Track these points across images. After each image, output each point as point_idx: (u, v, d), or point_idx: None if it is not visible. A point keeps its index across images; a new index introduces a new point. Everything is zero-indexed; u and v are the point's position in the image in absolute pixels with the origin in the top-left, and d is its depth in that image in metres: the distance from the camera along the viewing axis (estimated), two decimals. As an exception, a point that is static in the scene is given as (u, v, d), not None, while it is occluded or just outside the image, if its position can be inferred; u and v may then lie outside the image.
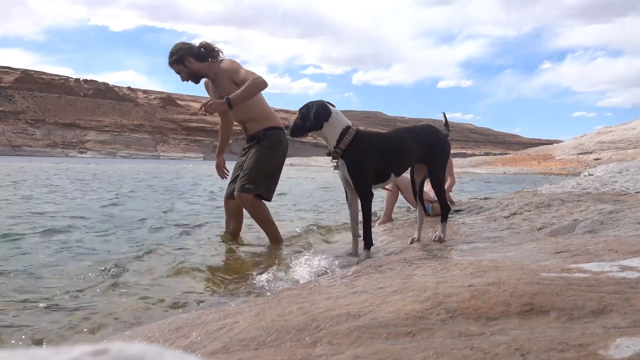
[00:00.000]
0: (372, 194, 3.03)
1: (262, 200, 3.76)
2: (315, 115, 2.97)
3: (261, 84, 3.59)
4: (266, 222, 3.78)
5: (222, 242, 3.90)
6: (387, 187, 5.12)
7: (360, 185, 2.99)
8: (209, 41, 3.85)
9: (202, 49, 3.77)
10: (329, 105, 3.06)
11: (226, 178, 4.07)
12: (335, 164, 3.05)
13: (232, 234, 3.93)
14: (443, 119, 3.46)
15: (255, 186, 3.67)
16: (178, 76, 3.81)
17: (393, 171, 3.10)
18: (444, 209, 3.28)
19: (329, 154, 3.06)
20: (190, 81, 3.82)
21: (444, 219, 3.26)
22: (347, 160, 2.97)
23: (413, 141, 3.14)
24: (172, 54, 3.75)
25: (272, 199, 3.83)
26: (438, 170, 3.21)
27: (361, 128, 3.16)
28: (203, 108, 3.54)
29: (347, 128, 2.99)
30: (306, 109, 3.01)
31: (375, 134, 3.18)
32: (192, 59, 3.72)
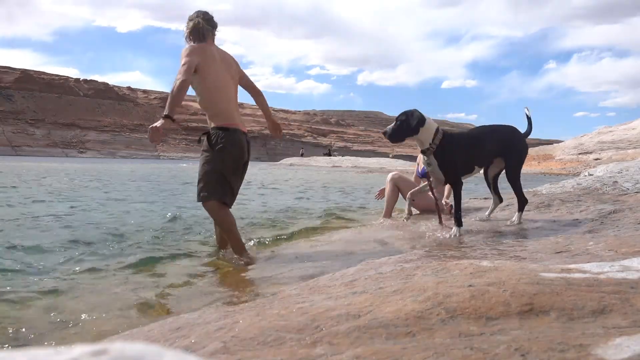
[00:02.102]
0: (462, 183, 3.63)
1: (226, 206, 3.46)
2: (417, 122, 3.52)
3: (178, 86, 3.29)
4: (229, 232, 3.48)
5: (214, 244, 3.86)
6: (387, 187, 5.14)
7: (451, 176, 3.57)
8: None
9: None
10: (423, 115, 3.62)
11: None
12: (427, 160, 3.60)
13: (220, 241, 3.73)
14: (526, 115, 3.93)
15: (209, 193, 3.39)
16: None
17: (477, 164, 3.67)
18: (520, 201, 3.72)
19: (423, 152, 3.61)
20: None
21: (521, 209, 3.72)
22: (437, 157, 3.53)
23: (492, 138, 3.66)
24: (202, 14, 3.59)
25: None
26: (513, 166, 3.70)
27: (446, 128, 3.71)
28: (152, 137, 3.23)
29: (437, 130, 3.56)
30: (405, 117, 3.56)
31: (459, 133, 3.74)
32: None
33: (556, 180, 7.57)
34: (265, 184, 13.18)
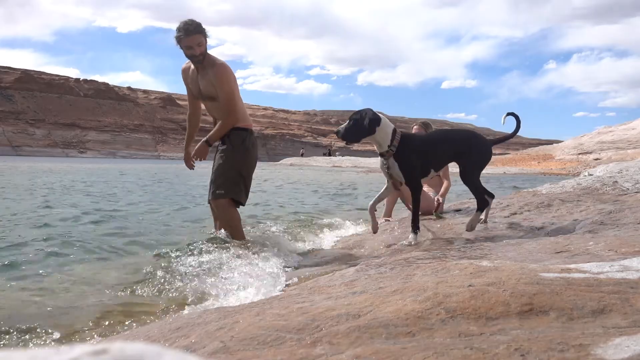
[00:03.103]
0: (422, 186, 3.51)
1: (238, 205, 3.64)
2: (370, 121, 3.36)
3: (232, 122, 3.58)
4: (236, 231, 3.61)
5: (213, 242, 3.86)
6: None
7: (413, 179, 3.43)
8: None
9: None
10: (377, 113, 3.47)
11: (193, 169, 3.93)
12: (385, 162, 3.45)
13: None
14: (511, 118, 3.81)
15: (225, 191, 3.55)
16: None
17: (433, 167, 3.53)
18: (479, 202, 3.55)
19: (381, 155, 3.45)
20: (192, 60, 3.58)
21: (480, 209, 3.55)
22: (398, 159, 3.40)
23: (448, 142, 3.56)
24: (197, 24, 3.49)
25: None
26: (468, 170, 3.53)
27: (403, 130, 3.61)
28: (194, 161, 3.71)
29: (394, 131, 3.43)
30: (359, 116, 3.39)
31: (416, 135, 3.67)
32: (206, 38, 3.55)
33: (556, 180, 7.58)
34: (292, 182, 13.40)
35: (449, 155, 3.59)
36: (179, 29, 3.46)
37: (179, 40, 3.47)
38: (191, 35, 3.44)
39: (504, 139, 3.94)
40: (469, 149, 3.54)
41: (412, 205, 3.50)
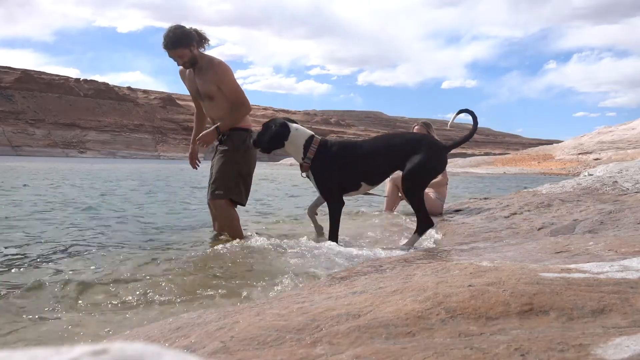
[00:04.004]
0: (341, 202, 3.12)
1: (237, 205, 3.65)
2: (272, 138, 3.11)
3: (246, 111, 3.56)
4: (235, 231, 3.60)
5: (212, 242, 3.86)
6: (387, 187, 5.13)
7: (325, 192, 3.12)
8: (198, 28, 3.63)
9: (198, 36, 3.61)
10: (287, 122, 3.19)
11: (197, 168, 3.97)
12: (305, 175, 3.18)
13: (219, 235, 3.81)
14: (452, 118, 3.38)
15: (225, 191, 3.54)
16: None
17: (365, 180, 3.13)
18: (419, 222, 3.07)
19: (301, 167, 3.18)
20: (184, 67, 3.63)
21: (418, 232, 3.09)
22: (313, 170, 3.10)
23: (387, 150, 3.09)
24: (178, 37, 3.48)
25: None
26: (407, 181, 3.02)
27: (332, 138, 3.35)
28: (199, 144, 3.63)
29: (311, 138, 3.14)
30: (267, 127, 3.18)
31: (342, 143, 3.22)
32: (195, 44, 3.55)
33: (556, 180, 7.58)
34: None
35: (389, 164, 3.12)
36: (163, 39, 3.50)
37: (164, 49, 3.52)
38: (170, 50, 3.48)
39: (461, 141, 3.24)
40: (412, 156, 3.01)
41: (329, 222, 3.13)
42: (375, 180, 3.19)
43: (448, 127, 4.80)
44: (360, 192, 3.28)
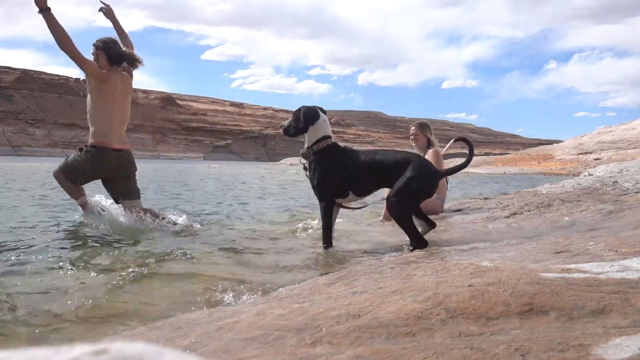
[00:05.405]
0: (331, 203, 3.19)
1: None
2: (305, 115, 3.22)
3: (65, 41, 3.92)
4: (63, 187, 4.24)
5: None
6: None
7: (318, 191, 3.21)
8: (136, 54, 4.24)
9: (122, 55, 4.14)
10: (319, 110, 3.31)
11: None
12: (305, 165, 3.29)
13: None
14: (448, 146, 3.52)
15: (61, 168, 4.14)
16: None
17: (352, 190, 3.21)
18: (414, 242, 3.01)
19: (304, 157, 3.29)
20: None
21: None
22: (310, 164, 3.22)
23: (375, 167, 3.12)
24: (100, 40, 4.11)
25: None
26: (389, 201, 3.02)
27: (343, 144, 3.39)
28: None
29: (326, 137, 3.23)
30: (298, 112, 3.28)
31: (345, 149, 3.29)
32: (105, 57, 4.05)
33: (556, 180, 7.58)
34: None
35: (375, 180, 3.17)
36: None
37: None
38: (93, 45, 4.16)
39: (455, 170, 3.30)
40: (400, 177, 3.02)
41: (321, 220, 3.20)
42: (360, 193, 3.24)
43: (443, 152, 4.83)
44: (348, 201, 3.31)
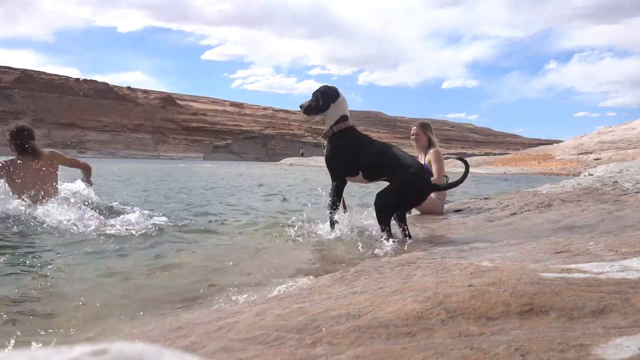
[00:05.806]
0: (342, 181, 3.34)
1: None
2: (324, 94, 3.31)
3: None
4: None
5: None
6: None
7: (331, 169, 3.33)
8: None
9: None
10: (338, 90, 3.39)
11: None
12: (323, 145, 3.39)
13: None
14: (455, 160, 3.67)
15: None
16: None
17: (362, 170, 3.33)
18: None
19: (324, 136, 3.39)
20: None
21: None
22: (328, 143, 3.33)
23: (380, 157, 3.28)
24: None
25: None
26: (377, 199, 3.18)
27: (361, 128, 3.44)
28: None
29: (345, 118, 3.33)
30: (317, 91, 3.37)
31: (362, 135, 3.43)
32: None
33: (556, 180, 7.58)
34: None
35: (380, 171, 3.30)
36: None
37: None
38: None
39: (449, 186, 3.66)
40: (395, 179, 3.21)
41: (330, 196, 3.34)
42: (368, 177, 3.37)
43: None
44: (356, 181, 3.45)
